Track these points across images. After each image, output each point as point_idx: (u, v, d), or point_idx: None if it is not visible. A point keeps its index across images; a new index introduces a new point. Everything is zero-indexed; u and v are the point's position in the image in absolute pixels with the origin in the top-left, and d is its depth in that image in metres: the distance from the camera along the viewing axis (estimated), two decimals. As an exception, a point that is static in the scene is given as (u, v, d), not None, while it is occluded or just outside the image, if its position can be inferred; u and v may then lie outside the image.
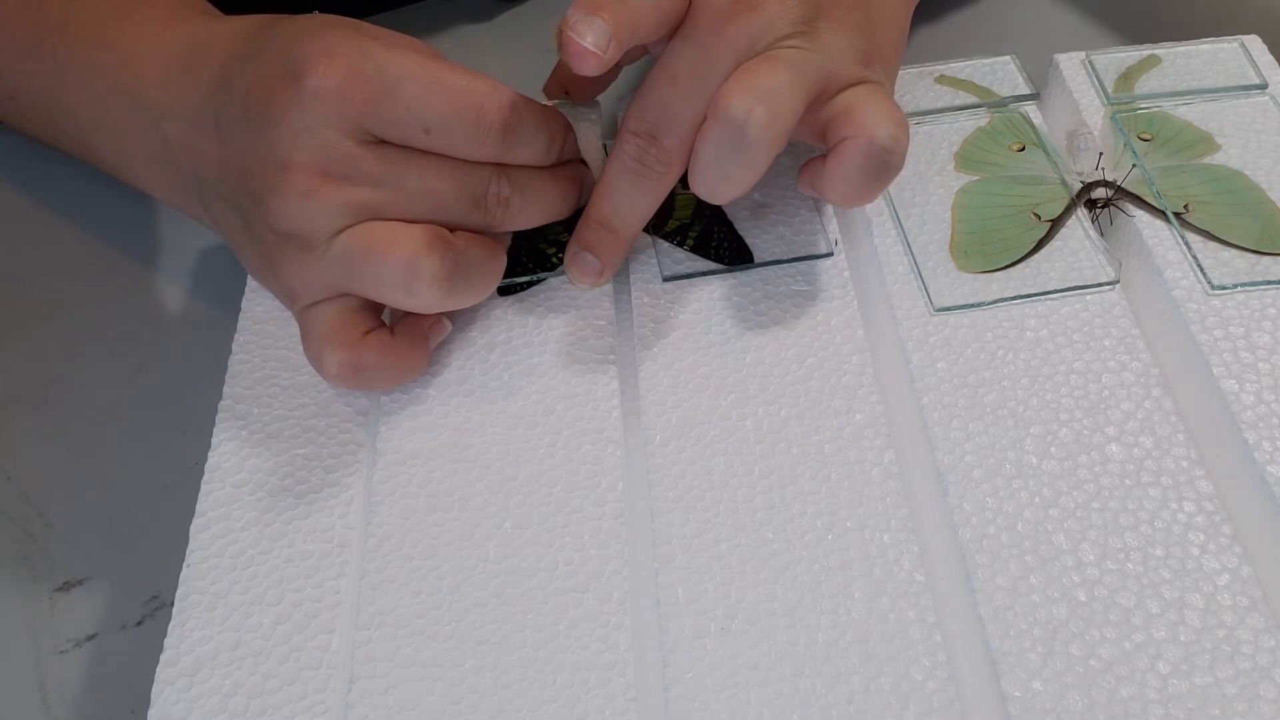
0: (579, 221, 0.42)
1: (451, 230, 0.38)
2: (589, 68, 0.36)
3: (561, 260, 0.43)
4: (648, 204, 0.40)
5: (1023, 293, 0.41)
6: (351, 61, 0.36)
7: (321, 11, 0.41)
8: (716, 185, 0.38)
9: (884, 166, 0.37)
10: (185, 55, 0.41)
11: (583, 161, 0.43)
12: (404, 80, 0.36)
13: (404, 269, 0.37)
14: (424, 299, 0.37)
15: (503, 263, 0.40)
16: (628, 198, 0.40)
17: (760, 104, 0.36)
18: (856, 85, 0.39)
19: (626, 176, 0.39)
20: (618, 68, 0.44)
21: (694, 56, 0.37)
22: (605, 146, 0.48)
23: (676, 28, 0.38)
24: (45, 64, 0.44)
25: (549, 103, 0.48)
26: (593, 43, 0.35)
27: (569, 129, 0.40)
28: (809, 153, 0.47)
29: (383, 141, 0.37)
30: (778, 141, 0.36)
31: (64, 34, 0.44)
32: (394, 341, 0.39)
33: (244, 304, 0.43)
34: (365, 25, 0.39)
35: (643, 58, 0.43)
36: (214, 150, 0.39)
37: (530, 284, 0.43)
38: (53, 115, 0.46)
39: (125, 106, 0.42)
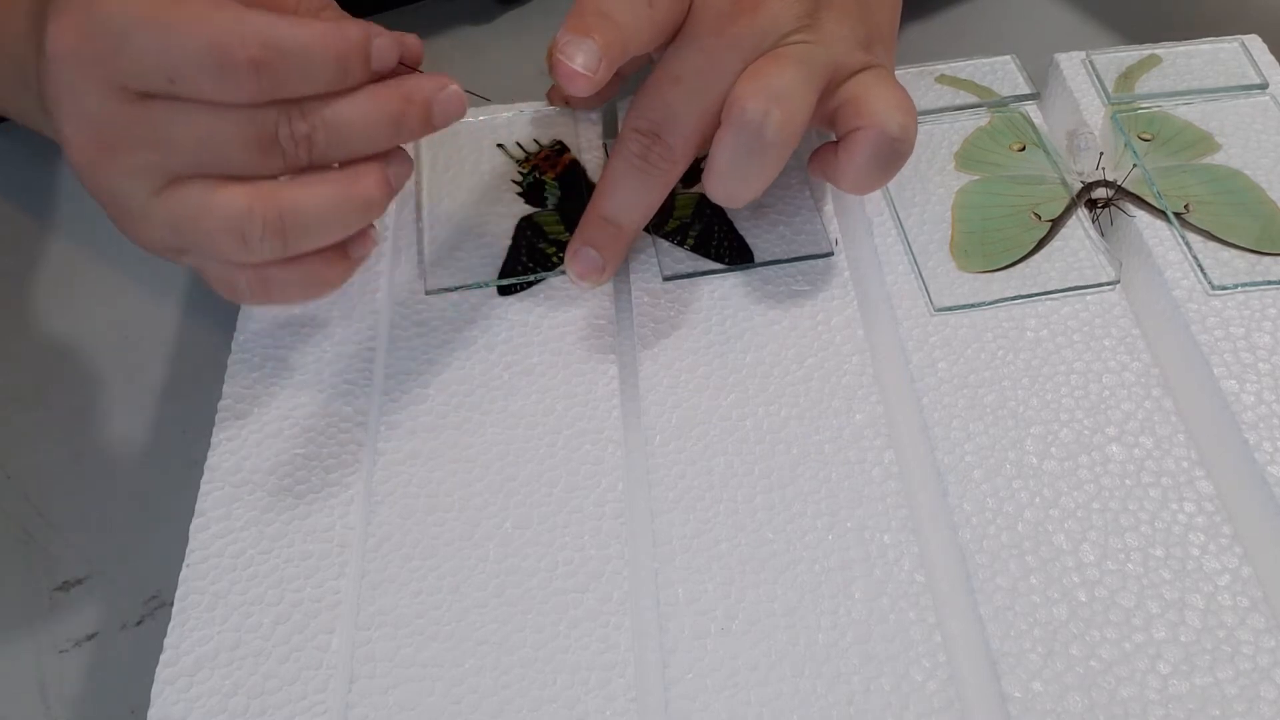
0: (581, 219, 0.42)
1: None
2: (580, 89, 0.35)
3: (561, 259, 0.43)
4: (651, 200, 0.40)
5: (1023, 293, 0.41)
6: (77, 19, 0.33)
7: None
8: (735, 189, 0.38)
9: (894, 155, 0.38)
10: (34, 4, 0.37)
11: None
12: (130, 29, 0.32)
13: (232, 237, 0.34)
14: (266, 256, 0.35)
15: (360, 192, 0.36)
16: (632, 194, 0.40)
17: (775, 105, 0.36)
18: (862, 72, 0.39)
19: (630, 173, 0.39)
20: (620, 78, 0.44)
21: (698, 58, 0.37)
22: (605, 146, 0.48)
23: (675, 33, 0.38)
24: None
25: (550, 109, 0.48)
26: (582, 64, 0.35)
27: (366, 40, 0.35)
28: (808, 150, 0.47)
29: (152, 96, 0.33)
30: (794, 139, 0.37)
31: None
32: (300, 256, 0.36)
33: (243, 304, 0.43)
34: None
35: (645, 66, 0.43)
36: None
37: (530, 284, 0.43)
38: None
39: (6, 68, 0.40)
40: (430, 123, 0.37)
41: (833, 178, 0.40)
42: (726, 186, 0.38)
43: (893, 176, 0.39)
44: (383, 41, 0.36)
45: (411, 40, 0.38)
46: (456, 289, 0.43)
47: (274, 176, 0.35)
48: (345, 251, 0.37)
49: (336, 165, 0.36)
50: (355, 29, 0.35)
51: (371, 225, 0.38)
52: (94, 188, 0.35)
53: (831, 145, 0.39)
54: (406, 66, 0.37)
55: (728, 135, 0.37)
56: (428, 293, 0.43)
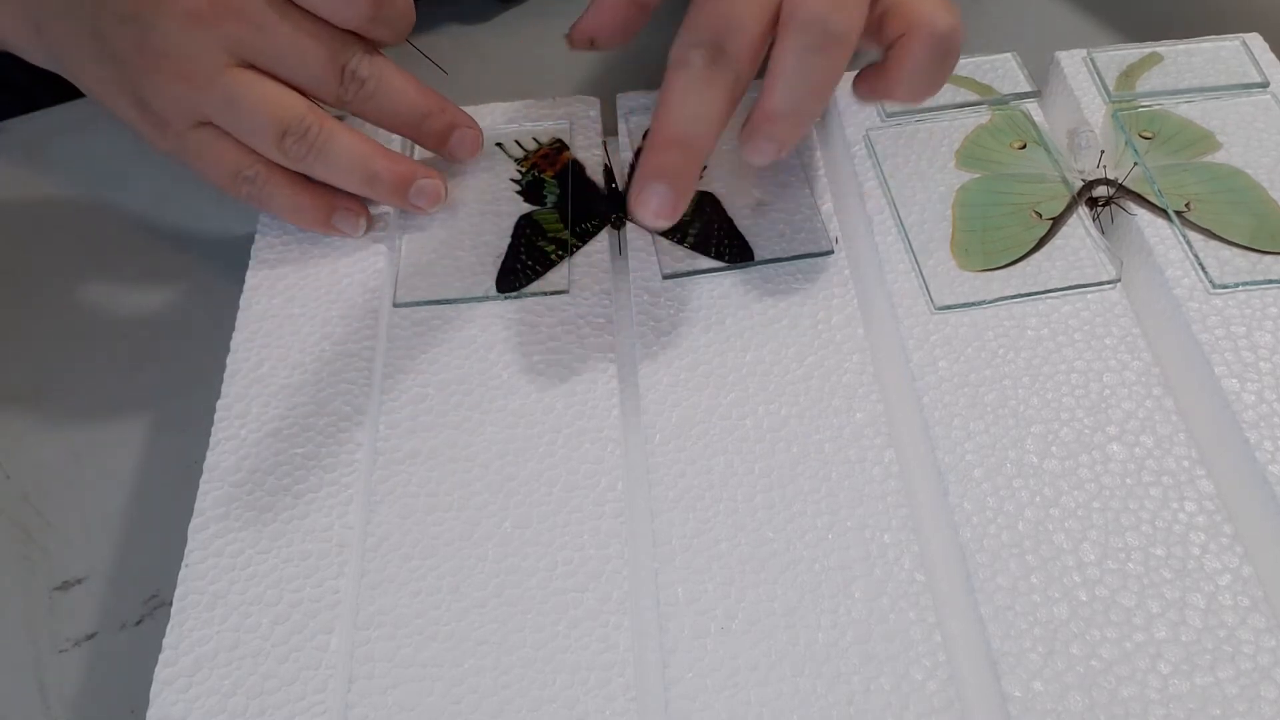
0: (643, 153, 0.38)
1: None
2: None
3: (561, 257, 0.43)
4: (720, 113, 0.37)
5: (1023, 291, 0.41)
6: None
7: None
8: (801, 96, 0.37)
9: (946, 54, 0.38)
10: None
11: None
12: None
13: (276, 127, 0.41)
14: (290, 159, 0.42)
15: (382, 165, 0.43)
16: (699, 107, 0.37)
17: (832, 2, 0.36)
18: None
19: (695, 86, 0.37)
20: (646, 12, 0.43)
21: None
22: (605, 144, 0.48)
23: None
24: None
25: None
26: None
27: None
28: (809, 150, 0.46)
29: None
30: (856, 35, 0.37)
31: None
32: (303, 180, 0.43)
33: (243, 303, 0.43)
34: None
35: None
36: None
37: (529, 280, 0.43)
38: None
39: None
40: (445, 141, 0.45)
41: (886, 91, 0.40)
42: (793, 91, 0.37)
43: (946, 77, 0.39)
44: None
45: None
46: (425, 304, 0.43)
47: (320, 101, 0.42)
48: (329, 216, 0.44)
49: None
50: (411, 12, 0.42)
51: (365, 214, 0.45)
52: (178, 34, 0.40)
53: (875, 64, 0.40)
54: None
55: (789, 38, 0.36)
56: (396, 305, 0.43)
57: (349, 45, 0.41)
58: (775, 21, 0.37)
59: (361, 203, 0.45)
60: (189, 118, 0.41)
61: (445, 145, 0.45)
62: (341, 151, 0.42)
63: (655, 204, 0.37)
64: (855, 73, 0.48)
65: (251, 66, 0.41)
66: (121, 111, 0.43)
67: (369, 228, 0.45)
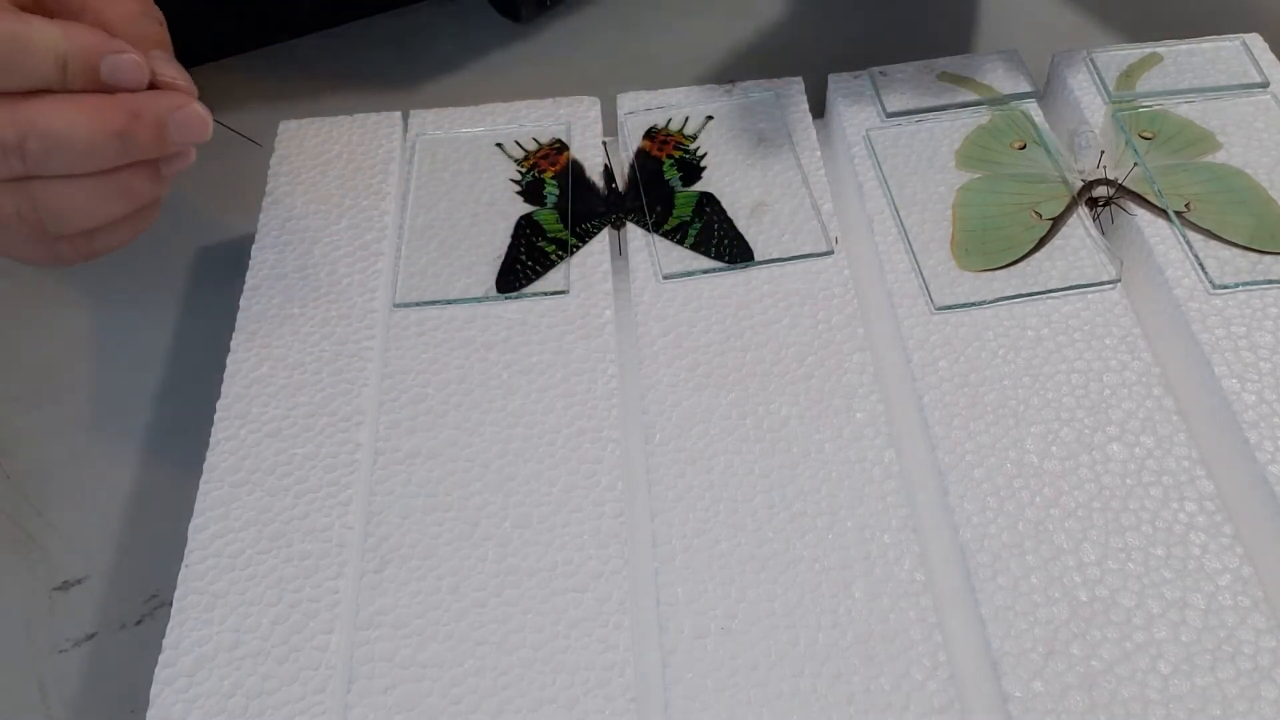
0: None
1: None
2: None
3: (561, 258, 0.43)
4: None
5: (1024, 291, 0.41)
6: None
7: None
8: None
9: None
10: None
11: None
12: None
13: None
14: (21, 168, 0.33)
15: (96, 126, 0.34)
16: None
17: None
18: None
19: None
20: None
21: None
22: (604, 145, 0.48)
23: None
24: None
25: None
26: None
27: (97, 48, 0.34)
28: (809, 150, 0.46)
29: None
30: None
31: None
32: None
33: (242, 303, 0.43)
34: None
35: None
36: None
37: (529, 281, 0.43)
38: None
39: None
40: (164, 141, 0.35)
41: None
42: None
43: None
44: (123, 59, 0.34)
45: (159, 61, 0.36)
46: (425, 304, 0.43)
47: None
48: (156, 167, 0.36)
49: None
50: (89, 36, 0.34)
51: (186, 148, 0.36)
52: None
53: None
54: (165, 86, 0.36)
55: None
56: (396, 305, 0.43)
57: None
58: None
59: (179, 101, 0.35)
60: None
61: (167, 147, 0.35)
62: (71, 130, 0.33)
63: None
64: (857, 73, 0.48)
65: None
66: None
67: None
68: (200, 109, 0.35)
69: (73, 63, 0.33)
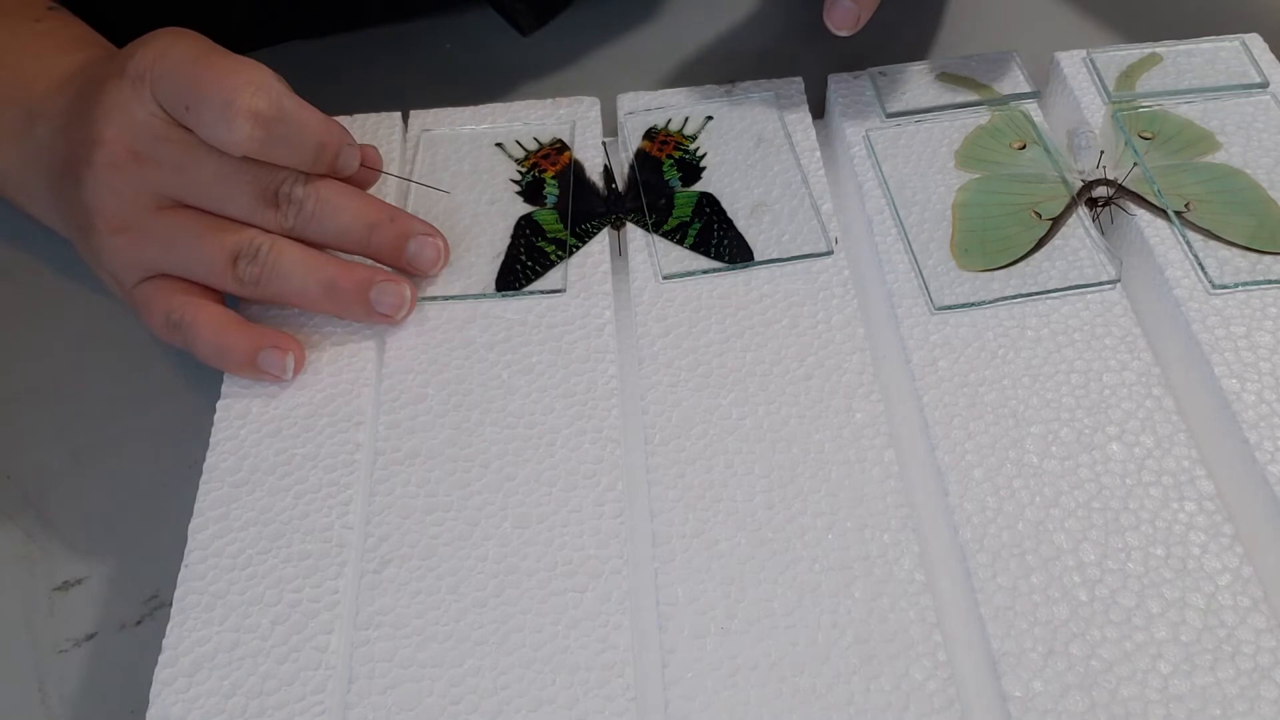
0: None
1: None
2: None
3: (561, 258, 0.43)
4: None
5: (1023, 291, 0.41)
6: (162, 44, 0.39)
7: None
8: None
9: None
10: (71, 74, 0.43)
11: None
12: (180, 61, 0.39)
13: (226, 255, 0.40)
14: (244, 287, 0.40)
15: (317, 271, 0.41)
16: None
17: None
18: None
19: None
20: None
21: None
22: (605, 145, 0.48)
23: None
24: None
25: None
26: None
27: (343, 140, 0.41)
28: (809, 150, 0.46)
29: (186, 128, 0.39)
30: None
31: None
32: (230, 320, 0.41)
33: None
34: (207, 40, 0.41)
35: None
36: (61, 146, 0.41)
37: (529, 280, 0.43)
38: None
39: (14, 117, 0.44)
40: (400, 252, 0.42)
41: None
42: None
43: None
44: (351, 149, 0.42)
45: (370, 151, 0.44)
46: (424, 300, 0.43)
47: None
48: (254, 358, 0.40)
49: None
50: (339, 129, 0.41)
51: (295, 351, 0.41)
52: (99, 187, 0.40)
53: None
54: (368, 168, 0.43)
55: None
56: None
57: (278, 172, 0.40)
58: None
59: (294, 342, 0.41)
60: (136, 271, 0.41)
61: (402, 256, 0.42)
62: (296, 265, 0.41)
63: (840, 15, 0.44)
64: (857, 73, 0.48)
65: (185, 206, 0.41)
66: (99, 275, 0.43)
67: (298, 367, 0.41)
68: (441, 243, 0.43)
69: (324, 152, 0.41)
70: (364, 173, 0.43)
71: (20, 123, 0.43)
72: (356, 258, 0.43)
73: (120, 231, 0.40)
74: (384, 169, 0.45)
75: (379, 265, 0.43)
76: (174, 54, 0.39)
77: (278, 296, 0.41)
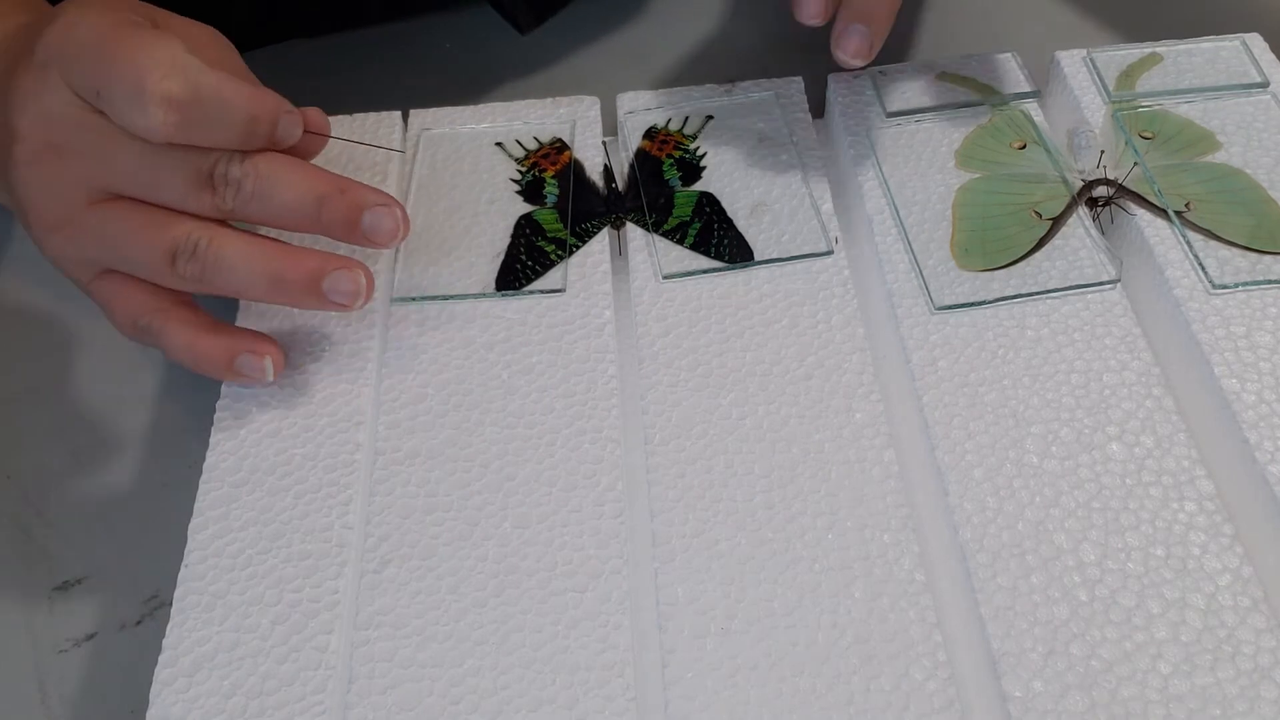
0: (844, 2, 0.43)
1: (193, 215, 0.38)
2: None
3: (560, 258, 0.43)
4: None
5: (1023, 291, 0.41)
6: (66, 24, 0.36)
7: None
8: None
9: None
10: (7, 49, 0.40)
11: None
12: (90, 43, 0.36)
13: (163, 251, 0.37)
14: (185, 282, 0.38)
15: (262, 263, 0.38)
16: None
17: None
18: None
19: None
20: None
21: None
22: (605, 144, 0.48)
23: None
24: None
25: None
26: None
27: (277, 110, 0.38)
28: (809, 150, 0.46)
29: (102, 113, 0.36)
30: None
31: None
32: (201, 325, 0.39)
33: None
34: (130, 3, 0.38)
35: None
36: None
37: (529, 280, 0.43)
38: None
39: None
40: (356, 226, 0.38)
41: None
42: None
43: None
44: (291, 116, 0.38)
45: (314, 114, 0.40)
46: (424, 300, 0.43)
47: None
48: (231, 361, 0.39)
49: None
50: (271, 99, 0.38)
51: (273, 353, 0.39)
52: (25, 186, 0.37)
53: None
54: (313, 134, 0.40)
55: None
56: (394, 300, 0.43)
57: (210, 152, 0.37)
58: None
59: (270, 343, 0.39)
60: (85, 268, 0.39)
61: (357, 230, 0.38)
62: (238, 258, 0.38)
63: (855, 44, 0.43)
64: (857, 73, 0.48)
65: (119, 197, 0.38)
66: (45, 253, 0.40)
67: (278, 368, 0.39)
68: (399, 212, 0.39)
69: (256, 126, 0.37)
70: (310, 139, 0.40)
71: None
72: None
73: (56, 229, 0.38)
74: (331, 134, 0.41)
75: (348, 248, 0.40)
76: (78, 33, 0.36)
77: (224, 291, 0.38)
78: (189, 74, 0.35)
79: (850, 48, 0.43)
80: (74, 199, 0.37)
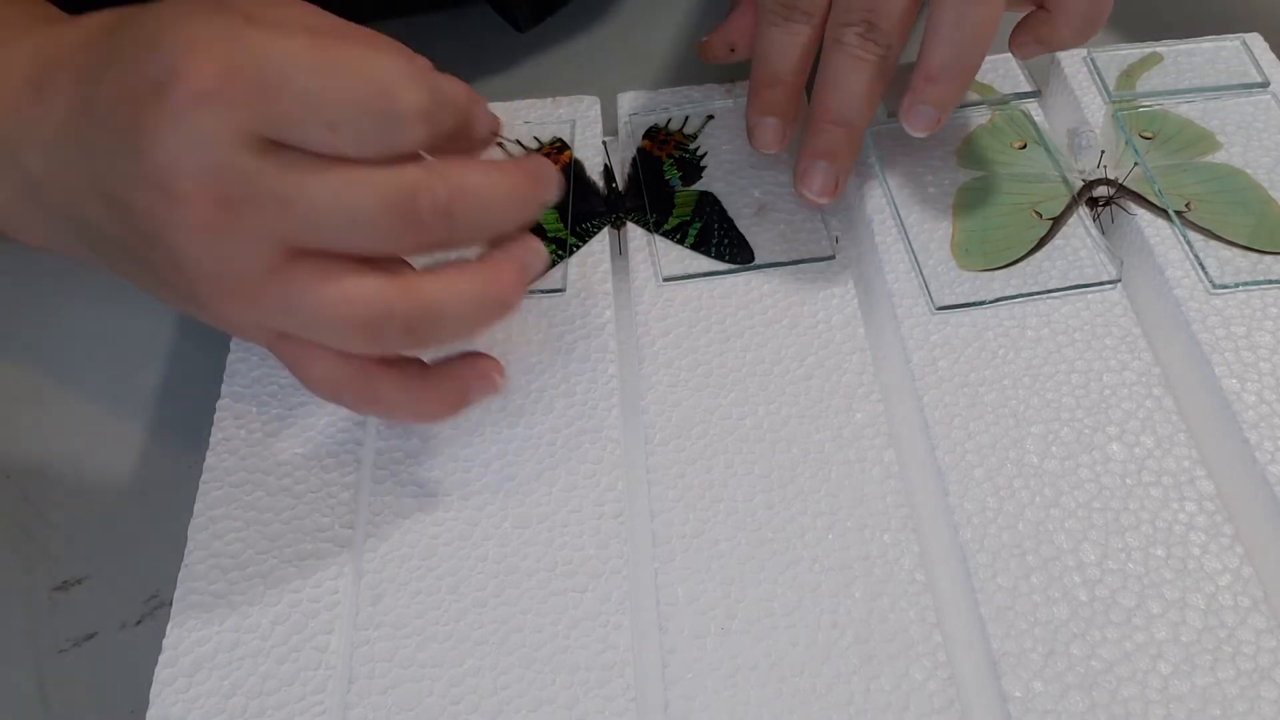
0: (804, 135, 0.42)
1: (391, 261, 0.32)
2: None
3: (560, 258, 0.43)
4: (875, 91, 0.40)
5: (1024, 291, 0.41)
6: (225, 54, 0.29)
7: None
8: (962, 50, 0.38)
9: None
10: (33, 72, 0.33)
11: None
12: (293, 68, 0.29)
13: (363, 331, 0.31)
14: (395, 351, 0.33)
15: (498, 290, 0.33)
16: (855, 86, 0.40)
17: None
18: None
19: (851, 67, 0.39)
20: None
21: None
22: (605, 144, 0.48)
23: None
24: None
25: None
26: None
27: (478, 103, 0.34)
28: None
29: (284, 146, 0.30)
30: None
31: None
32: (419, 386, 0.34)
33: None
34: (236, 2, 0.31)
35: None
36: (87, 187, 0.32)
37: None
38: None
39: None
40: (544, 205, 0.34)
41: (1050, 36, 0.40)
42: (952, 49, 0.38)
43: (1109, 9, 0.40)
44: (483, 108, 0.34)
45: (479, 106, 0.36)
46: None
47: (400, 260, 0.33)
48: (466, 394, 0.35)
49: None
50: (464, 86, 0.34)
51: (497, 374, 0.36)
52: (198, 253, 0.30)
53: (1034, 12, 0.41)
54: (495, 135, 0.36)
55: None
56: None
57: (406, 171, 0.31)
58: None
59: (484, 357, 0.36)
60: (263, 333, 0.33)
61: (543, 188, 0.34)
62: (455, 309, 0.32)
63: (820, 182, 0.41)
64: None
65: (303, 251, 0.31)
66: (207, 320, 0.35)
67: (502, 374, 0.36)
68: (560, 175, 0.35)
69: (472, 119, 0.34)
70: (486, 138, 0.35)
71: None
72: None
73: (232, 294, 0.31)
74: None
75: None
76: (256, 64, 0.29)
77: (440, 344, 0.34)
78: (425, 74, 0.31)
79: (814, 186, 0.41)
80: (254, 261, 0.31)
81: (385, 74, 0.30)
